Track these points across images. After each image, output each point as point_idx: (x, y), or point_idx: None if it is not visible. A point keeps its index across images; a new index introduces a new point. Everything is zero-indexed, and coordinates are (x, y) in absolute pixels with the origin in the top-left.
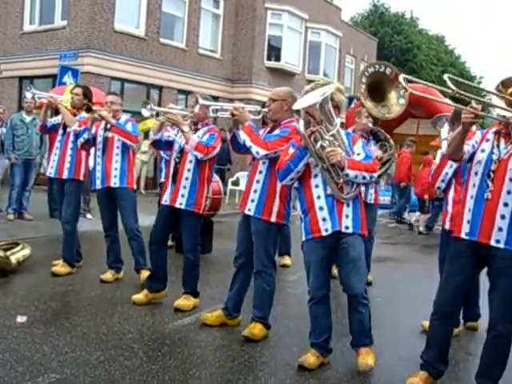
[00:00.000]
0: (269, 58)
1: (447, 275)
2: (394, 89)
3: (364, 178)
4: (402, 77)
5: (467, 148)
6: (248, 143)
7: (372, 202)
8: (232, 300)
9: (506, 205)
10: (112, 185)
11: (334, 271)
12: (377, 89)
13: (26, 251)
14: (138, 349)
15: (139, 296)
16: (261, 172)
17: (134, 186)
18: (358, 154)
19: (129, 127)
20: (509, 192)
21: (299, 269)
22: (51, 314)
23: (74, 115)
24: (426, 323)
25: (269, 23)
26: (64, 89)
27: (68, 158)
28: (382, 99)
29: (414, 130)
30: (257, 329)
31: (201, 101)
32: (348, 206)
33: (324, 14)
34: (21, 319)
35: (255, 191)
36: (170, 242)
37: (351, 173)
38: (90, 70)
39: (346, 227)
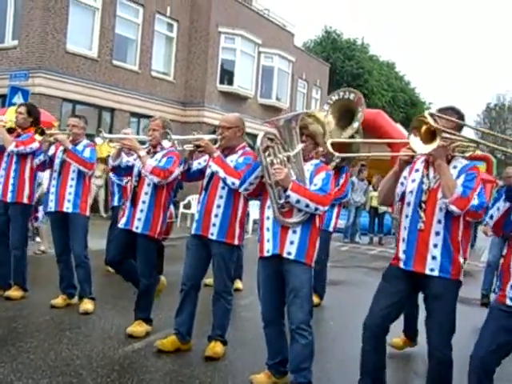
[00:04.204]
0: (222, 82)
1: (379, 296)
2: (356, 113)
3: (307, 206)
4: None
5: (398, 190)
6: (222, 175)
7: (330, 229)
8: (186, 324)
9: (437, 234)
10: (64, 209)
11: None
12: (348, 116)
13: None
14: (86, 375)
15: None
16: (221, 197)
17: (87, 213)
18: (315, 185)
19: (86, 153)
20: (439, 221)
21: (251, 293)
22: None
23: (18, 135)
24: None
25: (222, 47)
26: (5, 111)
27: (11, 181)
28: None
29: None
30: (218, 347)
31: (173, 136)
32: (295, 232)
33: (277, 39)
34: None
35: (216, 216)
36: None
37: (293, 195)
38: (41, 91)
39: (289, 253)
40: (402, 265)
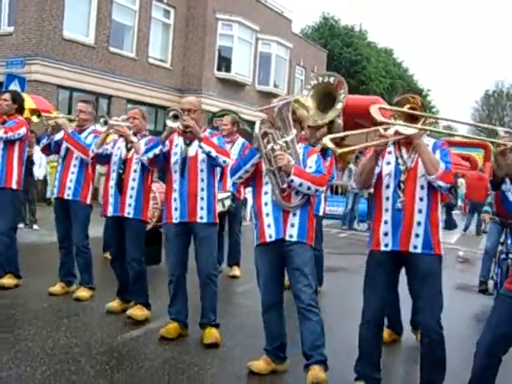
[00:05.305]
0: (219, 69)
1: (372, 285)
2: (337, 96)
3: (309, 188)
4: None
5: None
6: (214, 154)
7: (320, 214)
8: (183, 313)
9: (420, 211)
10: (65, 196)
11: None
12: (328, 99)
13: None
14: (85, 362)
15: (113, 304)
16: (203, 180)
17: (88, 201)
18: (310, 167)
19: (89, 139)
20: (421, 199)
21: (248, 280)
22: None
23: (4, 122)
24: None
25: (219, 34)
26: None
27: None
28: (332, 107)
29: (363, 141)
30: (216, 333)
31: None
32: (295, 215)
33: (275, 25)
34: None
35: (202, 199)
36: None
37: (296, 180)
38: (37, 78)
39: (291, 236)
40: (384, 247)
